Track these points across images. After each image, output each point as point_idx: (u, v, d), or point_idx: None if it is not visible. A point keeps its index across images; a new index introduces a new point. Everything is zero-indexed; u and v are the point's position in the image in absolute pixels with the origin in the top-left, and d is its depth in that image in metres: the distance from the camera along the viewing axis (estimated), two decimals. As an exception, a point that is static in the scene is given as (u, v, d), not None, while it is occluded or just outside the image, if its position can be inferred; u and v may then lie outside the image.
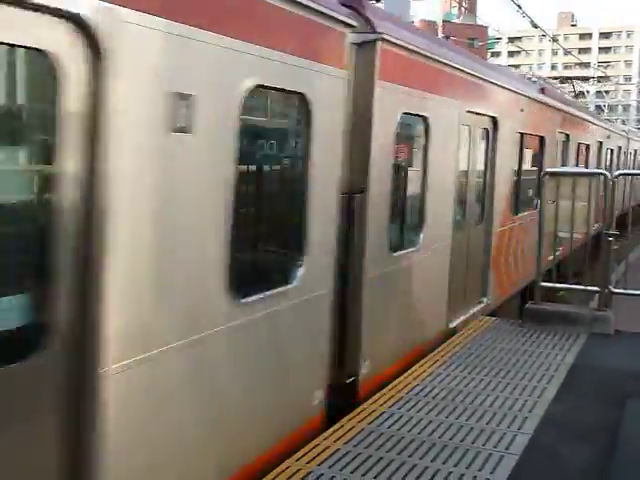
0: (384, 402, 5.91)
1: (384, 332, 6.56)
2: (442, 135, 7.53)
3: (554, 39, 54.55)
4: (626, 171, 22.49)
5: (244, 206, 4.53)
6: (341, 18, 5.30)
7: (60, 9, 3.03)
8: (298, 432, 5.09)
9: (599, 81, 47.58)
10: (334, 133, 5.41)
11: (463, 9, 65.90)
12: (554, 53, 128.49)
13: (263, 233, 5.12)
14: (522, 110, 10.74)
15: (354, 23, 5.53)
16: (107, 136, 3.28)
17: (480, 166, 9.30)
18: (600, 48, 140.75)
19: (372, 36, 5.87)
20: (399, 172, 7.01)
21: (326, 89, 5.22)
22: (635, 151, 30.09)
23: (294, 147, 5.44)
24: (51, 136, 3.16)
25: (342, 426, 5.38)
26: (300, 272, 5.03)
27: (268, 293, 4.67)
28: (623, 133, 26.82)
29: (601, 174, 9.68)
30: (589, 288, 9.34)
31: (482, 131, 9.21)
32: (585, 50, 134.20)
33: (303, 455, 4.86)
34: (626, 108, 77.79)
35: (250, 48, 4.24)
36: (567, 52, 71.36)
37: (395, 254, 6.71)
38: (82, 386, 3.33)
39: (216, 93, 4.03)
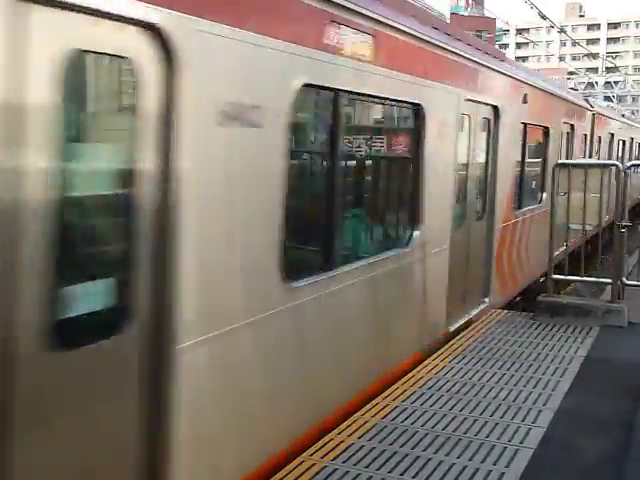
0: (397, 396, 5.89)
1: None
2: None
3: (562, 30, 54.20)
4: (638, 162, 22.42)
5: None
6: None
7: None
8: None
9: (608, 72, 47.30)
10: None
11: (471, 1, 65.56)
12: (562, 44, 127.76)
13: None
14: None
15: None
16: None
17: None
18: (608, 39, 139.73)
19: None
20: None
21: None
22: None
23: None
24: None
25: (355, 420, 5.36)
26: None
27: None
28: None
29: (613, 165, 9.59)
30: (602, 280, 9.28)
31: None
32: (593, 41, 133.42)
33: (317, 450, 4.85)
34: (635, 99, 77.27)
35: None
36: (575, 43, 70.93)
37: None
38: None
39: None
